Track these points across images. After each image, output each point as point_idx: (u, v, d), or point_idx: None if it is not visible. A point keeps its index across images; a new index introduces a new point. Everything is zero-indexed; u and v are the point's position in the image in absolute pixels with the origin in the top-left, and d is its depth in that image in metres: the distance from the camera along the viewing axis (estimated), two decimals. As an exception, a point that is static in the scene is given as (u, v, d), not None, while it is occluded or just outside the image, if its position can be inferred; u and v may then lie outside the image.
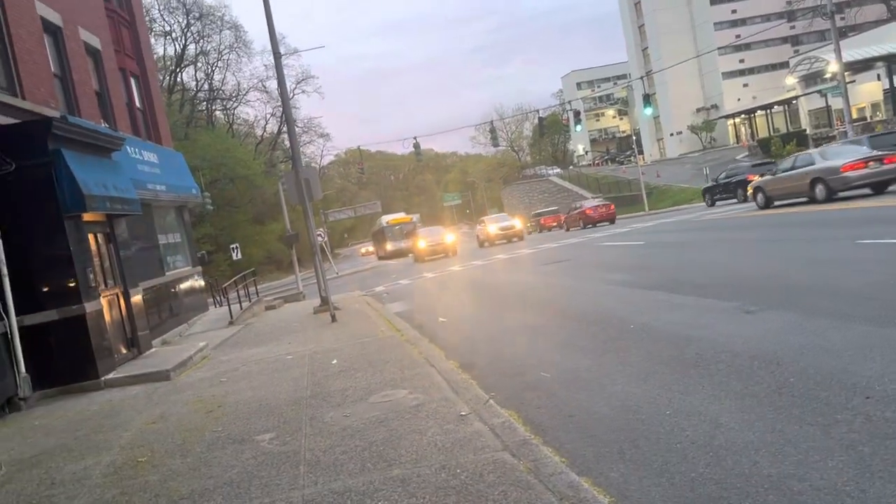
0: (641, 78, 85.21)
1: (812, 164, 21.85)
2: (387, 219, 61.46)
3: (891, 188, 20.70)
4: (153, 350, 13.02)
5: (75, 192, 10.34)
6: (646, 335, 7.73)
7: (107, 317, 11.29)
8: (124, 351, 11.92)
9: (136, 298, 12.84)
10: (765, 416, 4.61)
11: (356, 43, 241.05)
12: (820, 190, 21.21)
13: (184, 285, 18.04)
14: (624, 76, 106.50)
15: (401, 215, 64.70)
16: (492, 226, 41.03)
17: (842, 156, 21.37)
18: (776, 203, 23.92)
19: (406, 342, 10.03)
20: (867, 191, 20.97)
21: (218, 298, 25.77)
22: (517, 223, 41.63)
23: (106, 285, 11.79)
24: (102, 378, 10.42)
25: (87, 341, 10.39)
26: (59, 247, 10.35)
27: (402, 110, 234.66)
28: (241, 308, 18.93)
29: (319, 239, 25.13)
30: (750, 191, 26.24)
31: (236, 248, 32.10)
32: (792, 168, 22.88)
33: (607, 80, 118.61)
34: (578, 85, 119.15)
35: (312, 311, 17.00)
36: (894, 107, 47.94)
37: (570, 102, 78.04)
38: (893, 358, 5.21)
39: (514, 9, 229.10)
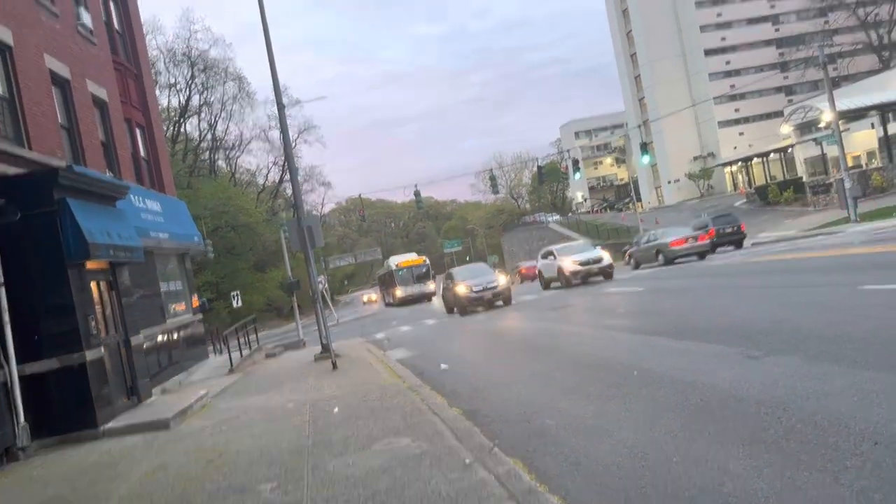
0: (639, 127, 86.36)
1: (656, 240, 30.53)
2: (396, 261, 56.49)
3: (711, 255, 28.99)
4: (153, 398, 12.91)
5: (79, 240, 10.40)
6: (650, 381, 7.69)
7: (107, 365, 11.22)
8: (124, 399, 11.82)
9: (137, 346, 12.80)
10: (773, 462, 4.56)
11: (359, 94, 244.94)
12: (660, 258, 29.45)
13: (184, 333, 17.97)
14: (621, 125, 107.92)
15: (412, 256, 59.44)
16: (461, 285, 25.73)
17: (671, 235, 29.74)
18: (642, 266, 31.49)
19: (408, 389, 9.96)
20: (694, 258, 28.71)
21: (218, 346, 25.65)
22: (500, 280, 25.92)
23: (107, 333, 11.76)
24: (101, 427, 10.31)
25: (86, 390, 10.31)
26: (61, 295, 10.36)
27: (402, 159, 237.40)
28: (242, 356, 18.83)
29: (320, 286, 25.12)
30: (627, 256, 34.96)
31: (237, 295, 32.06)
32: (646, 242, 31.44)
33: (605, 129, 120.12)
34: (576, 134, 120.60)
35: (313, 359, 16.90)
36: (889, 154, 48.44)
37: (568, 151, 78.84)
38: None
39: (513, 61, 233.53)
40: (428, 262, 56.00)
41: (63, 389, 10.23)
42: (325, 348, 16.35)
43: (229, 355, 18.32)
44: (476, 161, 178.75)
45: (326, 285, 53.36)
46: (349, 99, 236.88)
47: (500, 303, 25.44)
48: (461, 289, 25.12)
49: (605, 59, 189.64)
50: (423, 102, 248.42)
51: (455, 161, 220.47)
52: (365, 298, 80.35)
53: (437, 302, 36.23)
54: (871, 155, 56.09)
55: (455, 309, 26.46)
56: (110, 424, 10.50)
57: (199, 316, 20.10)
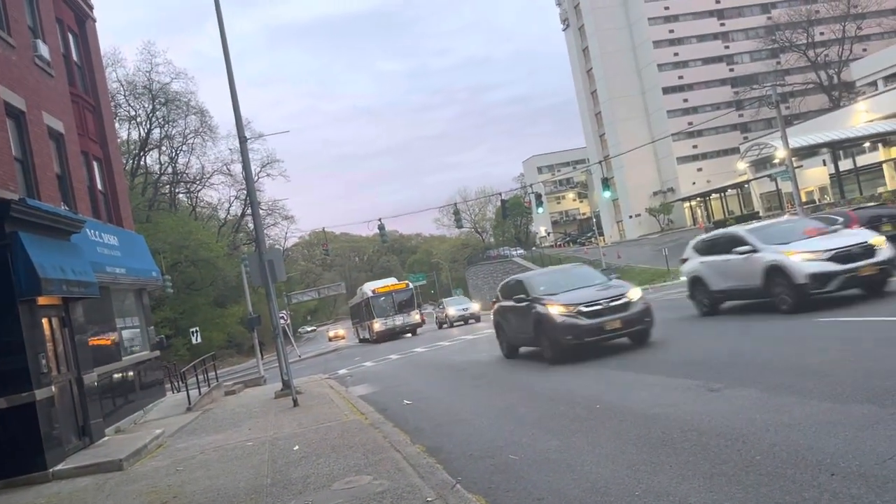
0: (599, 162, 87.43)
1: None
2: (372, 287, 45.53)
3: None
4: (106, 438, 12.50)
5: (31, 275, 10.11)
6: (612, 415, 7.69)
7: (58, 404, 10.85)
8: (75, 440, 11.42)
9: (90, 384, 12.41)
10: (734, 495, 4.57)
11: (324, 128, 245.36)
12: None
13: (141, 370, 17.52)
14: (583, 160, 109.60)
15: (391, 281, 49.20)
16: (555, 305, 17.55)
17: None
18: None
19: (370, 426, 9.81)
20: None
21: (176, 384, 25.06)
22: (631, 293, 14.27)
23: (59, 371, 11.39)
24: (51, 469, 9.92)
25: (35, 430, 9.94)
26: (10, 331, 10.02)
27: (367, 193, 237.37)
28: (200, 393, 18.40)
29: (282, 321, 24.78)
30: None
31: (196, 331, 31.45)
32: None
33: (567, 164, 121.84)
34: (539, 169, 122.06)
35: (274, 396, 16.59)
36: (840, 190, 50.00)
37: (531, 186, 79.77)
38: (856, 434, 5.25)
39: (476, 98, 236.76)
40: (412, 286, 45.16)
41: (10, 430, 9.84)
42: (286, 385, 16.06)
43: (187, 393, 17.90)
44: (440, 195, 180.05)
45: (288, 321, 52.61)
46: (314, 133, 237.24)
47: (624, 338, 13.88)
48: (555, 309, 13.21)
49: (567, 97, 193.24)
50: (387, 137, 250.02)
51: (420, 195, 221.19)
52: (331, 334, 71.51)
53: (433, 338, 30.01)
54: (823, 190, 57.82)
55: (524, 345, 15.21)
56: (60, 466, 10.12)
57: (157, 353, 19.65)
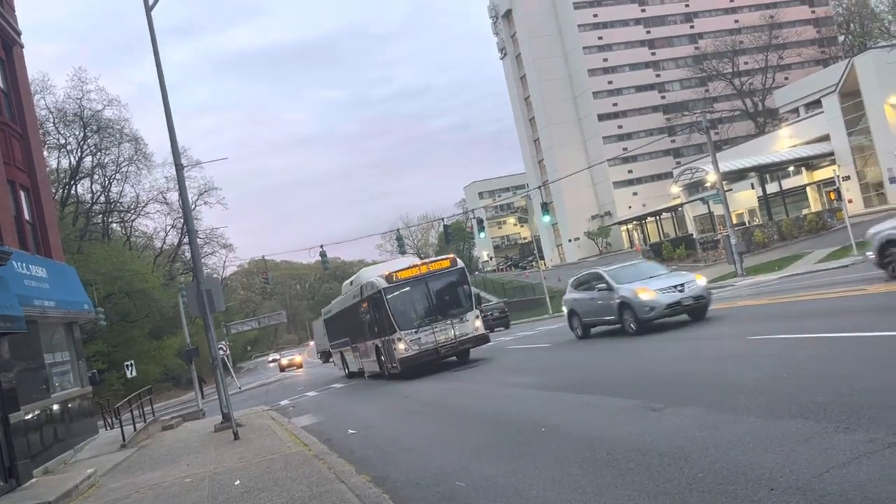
0: (539, 188, 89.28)
1: None
2: (383, 272, 21.59)
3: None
4: (34, 480, 11.89)
5: (-47, 309, 9.58)
6: (558, 437, 7.72)
7: (-19, 446, 10.29)
8: (0, 483, 10.83)
9: (17, 424, 11.82)
10: (678, 513, 4.62)
11: (263, 156, 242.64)
12: None
13: (71, 407, 16.79)
14: (523, 185, 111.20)
15: (408, 262, 22.88)
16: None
17: None
18: None
19: (314, 457, 9.61)
20: None
21: (110, 420, 24.13)
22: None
23: (-18, 411, 10.82)
24: (-27, 516, 9.38)
25: (-44, 474, 9.40)
26: (-70, 370, 9.49)
27: (309, 220, 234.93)
28: (136, 429, 17.75)
29: (221, 352, 24.18)
30: None
31: (131, 365, 30.39)
32: None
33: (507, 189, 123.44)
34: (480, 194, 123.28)
35: (213, 429, 16.13)
36: (768, 212, 52.00)
37: (472, 211, 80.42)
38: (792, 449, 5.40)
39: (417, 126, 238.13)
40: (460, 264, 22.07)
41: (-72, 475, 9.27)
42: (226, 418, 15.65)
43: (121, 429, 17.24)
44: (383, 221, 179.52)
45: (228, 352, 51.41)
46: (253, 161, 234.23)
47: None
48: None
49: (506, 123, 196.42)
50: (328, 165, 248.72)
51: (362, 222, 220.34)
52: (284, 361, 64.01)
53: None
54: (752, 213, 60.01)
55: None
56: (-17, 512, 9.57)
57: (89, 388, 18.88)
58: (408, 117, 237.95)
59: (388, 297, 20.13)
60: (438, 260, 21.73)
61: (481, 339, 20.83)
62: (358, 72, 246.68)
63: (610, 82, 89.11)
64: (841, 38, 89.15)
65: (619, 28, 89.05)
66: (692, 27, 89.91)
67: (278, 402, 24.36)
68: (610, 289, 17.24)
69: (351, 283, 25.89)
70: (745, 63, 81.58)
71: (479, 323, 20.69)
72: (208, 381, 47.32)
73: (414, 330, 19.85)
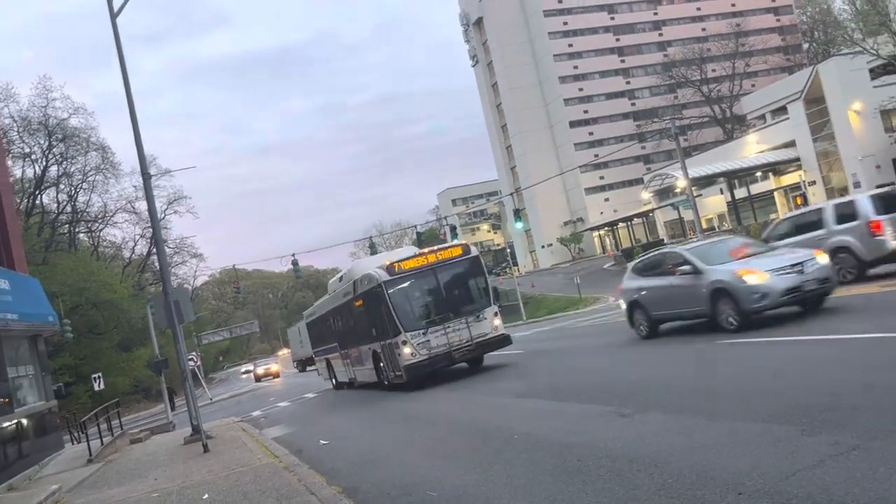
0: (511, 194, 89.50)
1: None
2: (382, 262, 17.79)
3: None
4: (-5, 498, 11.58)
5: None
6: (529, 444, 7.70)
7: (-60, 464, 10.00)
8: (-40, 502, 10.54)
9: (-22, 440, 11.51)
10: (647, 520, 4.62)
11: (234, 165, 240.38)
12: None
13: (35, 422, 16.41)
14: (496, 192, 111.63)
15: (412, 251, 18.94)
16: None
17: None
18: None
19: (284, 469, 9.48)
20: None
21: (76, 434, 23.66)
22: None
23: (-59, 427, 10.53)
24: (-70, 536, 9.10)
25: (-87, 494, 9.11)
26: None
27: (281, 228, 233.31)
28: (103, 443, 17.39)
29: (191, 364, 23.85)
30: None
31: (98, 377, 29.84)
32: None
33: (480, 196, 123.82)
34: (454, 201, 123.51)
35: (183, 442, 15.86)
36: (737, 216, 52.77)
37: (446, 218, 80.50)
38: (759, 453, 5.43)
39: (389, 133, 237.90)
40: (474, 251, 18.31)
41: None
42: (196, 430, 15.39)
43: (87, 444, 16.88)
44: (356, 229, 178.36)
45: (199, 363, 50.72)
46: (224, 170, 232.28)
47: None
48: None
49: (479, 130, 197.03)
50: (300, 173, 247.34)
51: (335, 230, 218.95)
52: (260, 371, 61.27)
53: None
54: (721, 217, 60.82)
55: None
56: (-59, 532, 9.29)
57: (54, 402, 18.48)
58: (380, 125, 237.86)
59: (389, 291, 16.70)
60: (448, 247, 18.32)
61: (502, 341, 17.28)
62: (330, 80, 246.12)
63: (581, 89, 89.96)
64: (805, 46, 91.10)
65: (588, 36, 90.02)
66: (661, 35, 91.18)
67: (250, 413, 24.08)
68: (697, 272, 13.04)
69: (340, 278, 22.58)
70: (713, 70, 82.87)
71: (498, 321, 17.39)
72: (179, 393, 46.67)
73: (422, 331, 16.44)
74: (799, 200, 51.71)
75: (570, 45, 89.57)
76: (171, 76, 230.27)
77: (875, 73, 44.21)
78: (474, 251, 18.01)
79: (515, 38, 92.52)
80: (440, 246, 18.38)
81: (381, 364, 18.12)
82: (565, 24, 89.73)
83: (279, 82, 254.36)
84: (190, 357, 23.10)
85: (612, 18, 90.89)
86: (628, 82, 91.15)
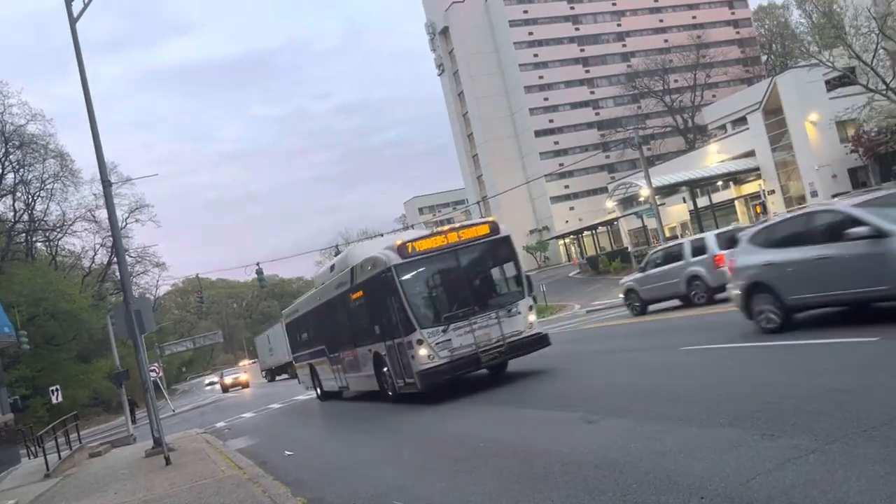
0: (478, 203, 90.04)
1: None
2: (392, 243, 14.18)
3: None
4: (-53, 516, 11.23)
5: None
6: (495, 452, 7.71)
7: None
8: None
9: (-71, 456, 11.16)
10: (612, 525, 4.65)
11: (198, 172, 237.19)
12: None
13: (-10, 436, 15.98)
14: (462, 201, 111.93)
15: (425, 231, 15.94)
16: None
17: None
18: None
19: (249, 481, 9.35)
20: None
21: (34, 448, 23.06)
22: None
23: None
24: None
25: None
26: None
27: (246, 237, 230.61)
28: (60, 457, 16.96)
29: (153, 375, 23.43)
30: None
31: (56, 390, 29.16)
32: None
33: (447, 205, 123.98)
34: (420, 210, 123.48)
35: (144, 455, 15.55)
36: (700, 225, 53.64)
37: (412, 226, 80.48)
38: (720, 458, 5.51)
39: (356, 142, 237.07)
40: (505, 231, 14.93)
41: None
42: (158, 442, 15.11)
43: (45, 458, 16.47)
44: (322, 238, 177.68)
45: (161, 374, 49.83)
46: (187, 178, 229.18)
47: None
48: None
49: (446, 139, 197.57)
50: (266, 181, 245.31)
51: (301, 238, 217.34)
52: (228, 380, 58.18)
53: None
54: (684, 226, 61.73)
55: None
56: None
57: (10, 416, 18.03)
58: (347, 133, 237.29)
59: (401, 278, 13.37)
60: (473, 224, 14.96)
61: (538, 341, 14.06)
62: (295, 88, 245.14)
63: (546, 99, 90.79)
64: (764, 58, 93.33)
65: (554, 46, 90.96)
66: (624, 46, 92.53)
67: (214, 424, 23.72)
68: (879, 235, 9.01)
69: (332, 268, 19.14)
70: (675, 81, 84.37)
71: (533, 316, 14.43)
72: (140, 405, 45.77)
73: (441, 328, 13.15)
74: (759, 209, 52.71)
75: (536, 55, 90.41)
76: (132, 82, 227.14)
77: (831, 84, 45.34)
78: (505, 229, 14.86)
79: (481, 48, 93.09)
80: (463, 223, 15.07)
81: (386, 370, 14.84)
82: (531, 34, 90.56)
83: (244, 90, 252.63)
84: (151, 368, 22.69)
85: (577, 29, 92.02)
86: (592, 92, 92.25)
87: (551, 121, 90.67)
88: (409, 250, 13.62)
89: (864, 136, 44.23)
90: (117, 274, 60.02)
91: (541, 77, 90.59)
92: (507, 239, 14.77)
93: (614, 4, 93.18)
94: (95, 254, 66.25)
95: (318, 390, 21.65)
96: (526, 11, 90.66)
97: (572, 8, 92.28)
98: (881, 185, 45.03)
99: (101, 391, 53.36)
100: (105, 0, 34.92)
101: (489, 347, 13.24)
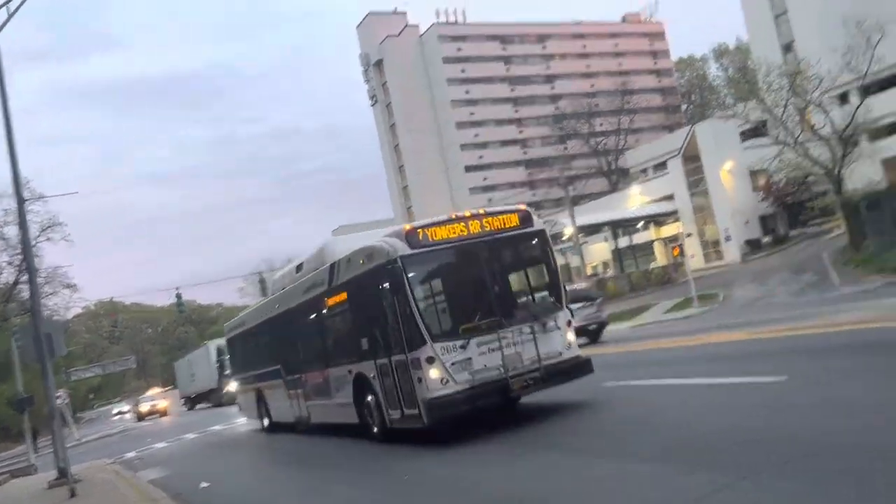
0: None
1: None
2: (400, 227, 11.06)
3: None
4: None
5: None
6: (420, 482, 7.67)
7: None
8: None
9: None
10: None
11: (117, 193, 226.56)
12: None
13: None
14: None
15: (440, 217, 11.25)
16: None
17: None
18: None
19: (162, 514, 8.99)
20: None
21: (-80, 480, 21.49)
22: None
23: None
24: None
25: None
26: None
27: (165, 260, 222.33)
28: (-47, 489, 15.88)
29: (60, 401, 22.29)
30: None
31: (-50, 416, 27.32)
32: None
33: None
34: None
35: (47, 486, 14.69)
36: (620, 264, 55.29)
37: (339, 255, 79.67)
38: (642, 493, 5.67)
39: (286, 168, 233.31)
40: (539, 222, 11.72)
41: None
42: (62, 472, 14.32)
43: (-65, 489, 15.37)
44: (246, 264, 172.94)
45: (68, 400, 47.43)
46: (105, 197, 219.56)
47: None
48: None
49: (376, 169, 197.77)
50: (189, 203, 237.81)
51: (222, 264, 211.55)
52: (144, 408, 54.48)
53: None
54: (606, 264, 63.42)
55: None
56: None
57: None
58: (277, 159, 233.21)
59: (410, 274, 9.97)
60: (501, 212, 11.29)
61: (579, 367, 10.76)
62: (226, 111, 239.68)
63: (476, 135, 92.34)
64: (684, 107, 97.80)
65: (485, 84, 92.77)
66: (553, 88, 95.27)
67: (123, 454, 22.68)
68: None
69: (298, 267, 15.85)
70: (601, 124, 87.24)
71: (572, 336, 11.01)
72: (44, 433, 43.34)
73: (460, 342, 9.79)
74: (676, 251, 54.73)
75: (468, 92, 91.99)
76: (50, 95, 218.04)
77: (745, 135, 47.78)
78: (539, 223, 11.68)
79: (414, 82, 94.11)
80: (489, 210, 11.35)
81: (370, 398, 11.24)
82: (463, 71, 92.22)
83: (169, 111, 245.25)
84: (58, 394, 21.60)
85: (508, 70, 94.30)
86: (521, 131, 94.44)
87: (481, 157, 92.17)
88: (421, 238, 10.37)
89: (774, 186, 46.85)
90: (25, 294, 57.13)
91: (472, 114, 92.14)
92: (541, 234, 11.55)
93: (544, 48, 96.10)
94: (1, 273, 62.86)
95: (266, 420, 17.97)
96: (459, 49, 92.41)
97: (504, 49, 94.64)
98: (788, 232, 47.67)
99: (2, 418, 50.31)
100: (24, 10, 33.49)
101: (522, 371, 9.91)
